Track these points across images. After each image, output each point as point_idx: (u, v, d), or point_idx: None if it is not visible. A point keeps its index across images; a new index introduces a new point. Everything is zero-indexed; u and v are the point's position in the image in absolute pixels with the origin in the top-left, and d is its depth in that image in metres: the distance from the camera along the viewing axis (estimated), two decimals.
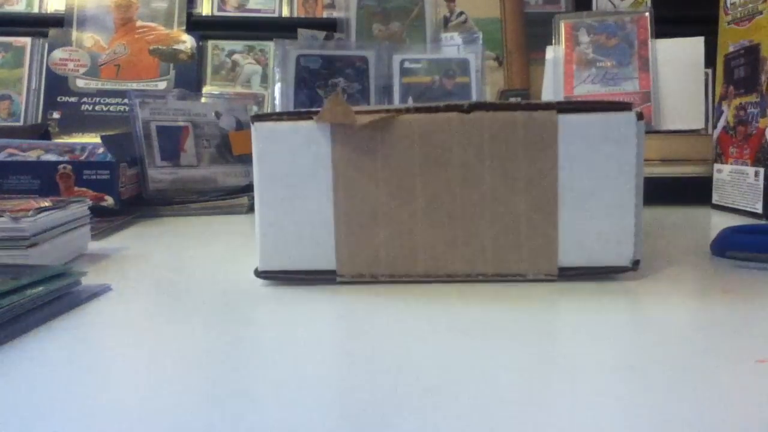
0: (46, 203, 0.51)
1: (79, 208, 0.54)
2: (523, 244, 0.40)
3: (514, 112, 0.39)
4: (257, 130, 0.41)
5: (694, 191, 0.83)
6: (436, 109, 0.40)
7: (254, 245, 0.43)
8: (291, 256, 0.41)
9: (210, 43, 1.23)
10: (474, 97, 1.05)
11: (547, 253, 0.40)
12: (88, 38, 1.19)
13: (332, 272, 0.41)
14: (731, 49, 0.77)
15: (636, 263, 0.41)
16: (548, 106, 0.39)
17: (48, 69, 1.17)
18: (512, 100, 1.06)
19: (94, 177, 0.74)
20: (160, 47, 1.20)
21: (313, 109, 0.40)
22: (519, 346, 0.30)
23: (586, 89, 0.99)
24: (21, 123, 1.15)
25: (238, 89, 1.20)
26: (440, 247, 0.40)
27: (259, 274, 0.42)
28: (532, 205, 0.40)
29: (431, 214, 0.40)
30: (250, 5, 1.24)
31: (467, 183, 0.40)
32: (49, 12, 1.21)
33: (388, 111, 0.40)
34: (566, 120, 0.39)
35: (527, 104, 0.40)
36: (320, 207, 0.40)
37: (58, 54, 1.17)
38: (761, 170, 0.69)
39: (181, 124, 0.89)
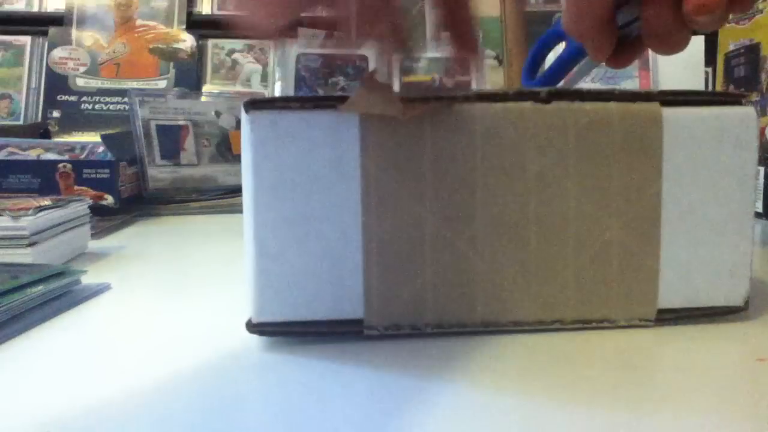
0: (46, 202, 0.51)
1: (79, 207, 0.54)
2: (615, 280, 0.31)
3: (607, 103, 0.30)
4: (253, 123, 0.29)
5: None
6: (505, 97, 0.30)
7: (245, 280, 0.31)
8: (299, 302, 0.30)
9: (210, 42, 1.23)
10: None
11: (645, 292, 0.31)
12: (87, 37, 1.19)
13: (358, 322, 0.30)
14: (731, 47, 0.77)
15: (746, 302, 0.33)
16: (649, 96, 0.31)
17: (48, 68, 1.17)
18: None
19: (93, 176, 0.74)
20: (160, 46, 1.20)
21: (336, 94, 0.30)
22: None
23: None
24: (21, 122, 1.15)
25: (238, 88, 1.20)
26: (506, 285, 0.31)
27: (252, 327, 0.30)
28: (628, 228, 0.31)
29: (495, 242, 0.30)
30: None
31: (545, 198, 0.30)
32: (48, 11, 1.21)
33: (439, 98, 0.29)
34: (672, 115, 0.31)
35: (622, 93, 0.31)
36: (343, 232, 0.30)
37: (58, 53, 1.17)
38: (761, 169, 0.69)
39: (181, 122, 0.89)
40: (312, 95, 0.30)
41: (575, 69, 0.41)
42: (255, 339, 0.30)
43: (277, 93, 1.06)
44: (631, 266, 0.31)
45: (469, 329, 0.31)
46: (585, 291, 0.31)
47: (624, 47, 0.38)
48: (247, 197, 0.30)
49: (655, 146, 0.31)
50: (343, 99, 0.29)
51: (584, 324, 0.31)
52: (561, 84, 0.42)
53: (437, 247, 0.30)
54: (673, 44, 0.35)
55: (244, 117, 0.29)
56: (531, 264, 0.31)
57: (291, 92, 1.04)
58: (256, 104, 0.29)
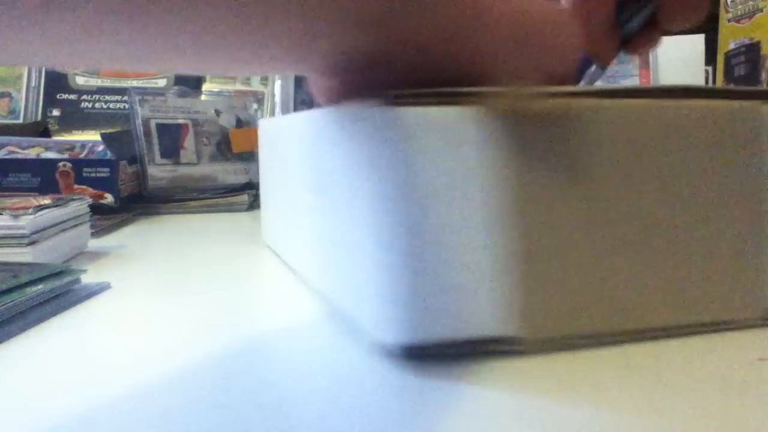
0: (45, 201, 0.51)
1: (79, 206, 0.54)
2: (738, 279, 0.31)
3: (731, 101, 0.31)
4: (401, 119, 0.26)
5: None
6: (640, 93, 0.29)
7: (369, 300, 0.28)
8: (448, 320, 0.27)
9: None
10: None
11: (762, 289, 0.32)
12: None
13: (502, 340, 0.28)
14: (732, 46, 0.77)
15: None
16: (762, 95, 0.31)
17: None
18: None
19: (93, 175, 0.74)
20: None
21: (466, 89, 0.26)
22: None
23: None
24: (21, 120, 1.15)
25: (238, 87, 1.20)
26: (647, 291, 0.30)
27: (408, 351, 0.27)
28: (750, 226, 0.31)
29: (637, 245, 0.30)
30: None
31: (678, 198, 0.30)
32: None
33: (574, 94, 0.28)
34: None
35: (738, 91, 0.31)
36: (484, 241, 0.27)
37: None
38: None
39: (181, 121, 0.89)
40: (446, 89, 0.26)
41: (586, 76, 0.43)
42: (255, 339, 0.30)
43: (277, 92, 1.06)
44: (750, 266, 0.31)
45: (621, 338, 0.30)
46: (708, 292, 0.31)
47: (637, 37, 0.40)
48: (393, 201, 0.26)
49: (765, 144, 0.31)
50: (482, 94, 0.26)
51: (704, 327, 0.31)
52: None
53: (583, 251, 0.29)
54: (692, 13, 0.38)
55: (382, 114, 0.26)
56: (665, 268, 0.30)
57: (291, 91, 1.04)
58: (400, 98, 0.26)
